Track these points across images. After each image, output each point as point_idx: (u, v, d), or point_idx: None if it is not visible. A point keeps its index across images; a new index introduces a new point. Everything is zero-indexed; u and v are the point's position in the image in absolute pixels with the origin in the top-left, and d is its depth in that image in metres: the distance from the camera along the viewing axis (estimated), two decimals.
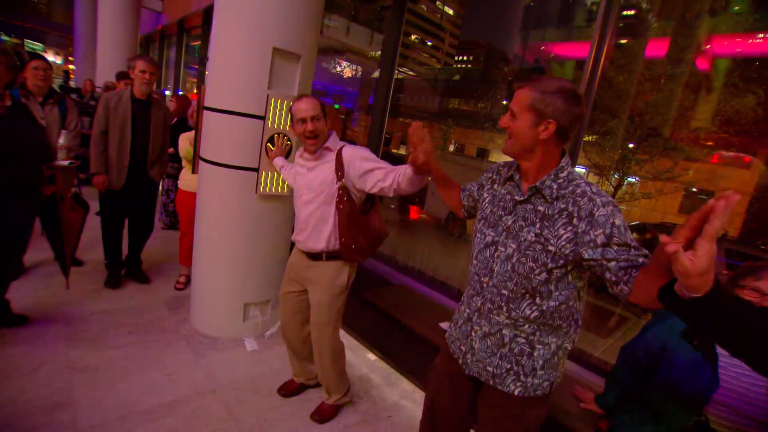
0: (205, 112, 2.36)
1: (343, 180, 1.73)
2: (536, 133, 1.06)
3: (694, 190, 10.67)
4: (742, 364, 1.17)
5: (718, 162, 10.42)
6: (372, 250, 1.86)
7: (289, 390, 2.17)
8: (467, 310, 1.27)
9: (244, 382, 2.21)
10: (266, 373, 2.32)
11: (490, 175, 1.31)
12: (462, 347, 1.28)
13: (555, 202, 1.07)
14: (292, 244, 2.00)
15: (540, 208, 1.09)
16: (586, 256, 0.99)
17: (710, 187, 10.39)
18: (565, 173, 1.09)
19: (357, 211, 1.78)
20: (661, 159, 10.21)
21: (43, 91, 2.67)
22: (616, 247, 0.95)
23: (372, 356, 2.69)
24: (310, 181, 1.80)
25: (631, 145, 10.40)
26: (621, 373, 1.50)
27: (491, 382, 1.21)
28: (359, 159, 1.72)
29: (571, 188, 1.06)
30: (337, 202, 1.75)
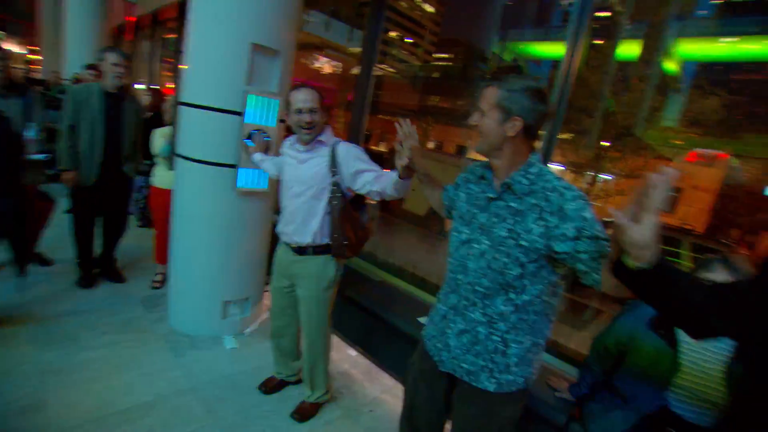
0: (181, 108, 2.31)
1: (337, 177, 1.74)
2: (504, 131, 1.10)
3: None
4: (702, 350, 1.25)
5: (693, 160, 10.87)
6: (360, 247, 1.87)
7: (269, 387, 2.16)
8: (443, 308, 1.29)
9: (223, 380, 2.19)
10: (246, 370, 2.30)
11: (465, 174, 1.34)
12: (438, 344, 1.30)
13: (525, 197, 1.10)
14: (274, 239, 1.98)
15: (512, 204, 1.12)
16: (558, 249, 1.04)
17: (679, 184, 10.83)
18: (535, 169, 1.12)
19: (349, 207, 1.79)
20: (633, 157, 10.56)
21: (2, 82, 2.55)
22: (587, 240, 1.00)
23: (353, 352, 2.71)
24: (301, 174, 1.79)
25: (604, 144, 10.72)
26: (593, 362, 1.56)
27: (466, 379, 1.23)
28: (353, 158, 1.73)
29: (541, 184, 1.10)
30: (331, 198, 1.75)
